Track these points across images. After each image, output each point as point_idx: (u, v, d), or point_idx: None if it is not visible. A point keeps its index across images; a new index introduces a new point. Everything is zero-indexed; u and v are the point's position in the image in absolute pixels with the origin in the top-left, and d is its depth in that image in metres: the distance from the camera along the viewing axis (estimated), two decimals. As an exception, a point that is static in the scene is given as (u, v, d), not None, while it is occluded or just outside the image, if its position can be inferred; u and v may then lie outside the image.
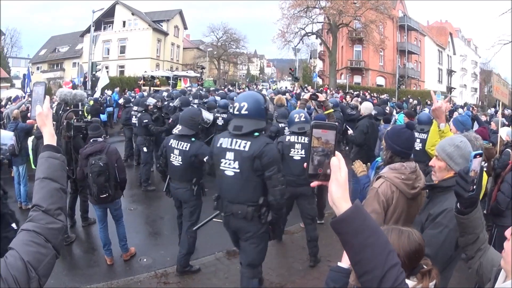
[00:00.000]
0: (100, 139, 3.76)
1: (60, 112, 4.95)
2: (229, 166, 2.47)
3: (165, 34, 30.17)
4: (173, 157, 3.43)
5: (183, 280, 3.46)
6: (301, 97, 4.63)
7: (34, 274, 0.93)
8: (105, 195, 3.57)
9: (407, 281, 1.17)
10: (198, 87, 19.19)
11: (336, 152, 0.84)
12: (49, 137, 1.22)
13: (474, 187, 1.31)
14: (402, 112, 9.28)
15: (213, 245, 4.04)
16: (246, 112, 2.48)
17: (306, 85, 24.89)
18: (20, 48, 34.61)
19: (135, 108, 7.22)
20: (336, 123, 0.90)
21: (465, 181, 1.31)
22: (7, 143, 2.23)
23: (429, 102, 22.73)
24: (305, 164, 0.85)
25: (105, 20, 28.68)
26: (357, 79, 29.34)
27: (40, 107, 1.23)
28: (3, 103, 10.23)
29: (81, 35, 29.40)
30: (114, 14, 29.03)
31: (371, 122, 5.17)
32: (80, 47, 29.75)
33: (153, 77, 21.46)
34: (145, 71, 22.95)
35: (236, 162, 2.44)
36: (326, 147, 0.84)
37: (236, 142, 2.46)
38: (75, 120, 4.23)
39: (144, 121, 6.22)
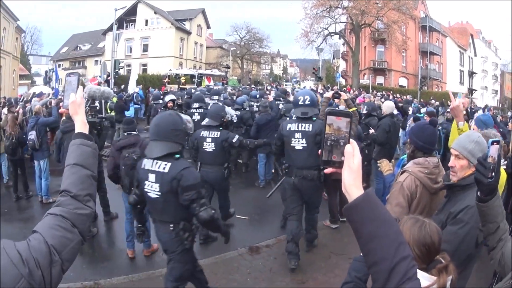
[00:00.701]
0: (134, 133, 3.84)
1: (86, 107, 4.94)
2: (298, 143, 3.40)
3: (188, 33, 30.18)
4: (206, 144, 3.97)
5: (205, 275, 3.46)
6: (324, 96, 4.50)
7: (57, 258, 0.93)
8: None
9: (423, 275, 1.20)
10: (223, 85, 19.24)
11: (351, 140, 0.83)
12: (81, 125, 1.22)
13: (493, 173, 1.33)
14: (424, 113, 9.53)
15: (236, 241, 4.01)
16: (309, 102, 3.46)
17: (329, 85, 24.78)
18: (40, 46, 34.94)
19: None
20: (349, 111, 0.85)
21: (484, 167, 1.32)
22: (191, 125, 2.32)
23: (449, 104, 22.49)
24: (319, 151, 0.85)
25: (127, 18, 28.84)
26: (379, 79, 29.13)
27: (74, 96, 1.23)
28: (28, 98, 10.28)
29: (103, 33, 29.55)
30: (136, 13, 29.14)
31: (393, 121, 5.22)
32: (102, 45, 29.93)
33: (177, 75, 21.50)
34: (170, 69, 22.97)
35: (304, 139, 3.40)
36: (340, 134, 0.83)
37: (302, 125, 3.41)
38: (90, 115, 4.32)
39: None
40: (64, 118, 4.67)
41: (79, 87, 1.26)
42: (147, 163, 2.40)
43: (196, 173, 2.46)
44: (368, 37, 28.69)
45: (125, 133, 3.85)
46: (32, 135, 5.39)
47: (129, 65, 27.21)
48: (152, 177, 2.34)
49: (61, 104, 1.34)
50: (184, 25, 30.12)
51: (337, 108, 0.84)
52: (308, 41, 26.39)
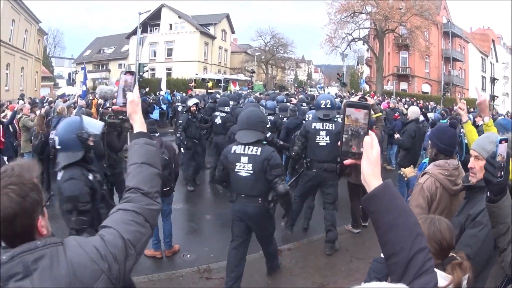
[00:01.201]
0: (156, 134, 3.86)
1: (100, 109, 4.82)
2: (323, 140, 3.85)
3: (213, 37, 30.32)
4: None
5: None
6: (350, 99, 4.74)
7: (133, 251, 0.96)
8: (167, 188, 3.69)
9: (440, 274, 1.20)
10: (248, 90, 19.38)
11: (370, 131, 0.84)
12: (141, 125, 1.22)
13: (502, 173, 1.30)
14: (447, 119, 9.53)
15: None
16: (329, 106, 3.93)
17: (353, 91, 24.73)
18: (63, 49, 35.40)
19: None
20: (367, 103, 0.87)
21: (493, 167, 1.30)
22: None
23: (472, 110, 22.40)
24: (338, 143, 0.86)
25: (151, 22, 29.04)
26: (403, 85, 28.98)
27: (132, 95, 1.22)
28: (53, 99, 10.41)
29: (126, 37, 29.80)
30: (160, 17, 29.34)
31: (418, 126, 5.32)
32: (126, 49, 30.19)
33: (203, 80, 21.66)
34: (196, 74, 23.12)
35: (328, 137, 3.84)
36: (359, 125, 0.84)
37: (326, 125, 3.88)
38: (110, 116, 4.24)
39: (179, 121, 6.18)
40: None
41: (135, 86, 1.25)
42: (237, 149, 2.96)
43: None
44: (392, 43, 28.61)
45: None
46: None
47: (153, 69, 27.48)
48: (244, 159, 2.93)
49: (114, 101, 1.29)
50: (209, 29, 30.27)
51: (354, 101, 0.88)
52: (333, 46, 26.37)
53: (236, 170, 2.95)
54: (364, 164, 0.84)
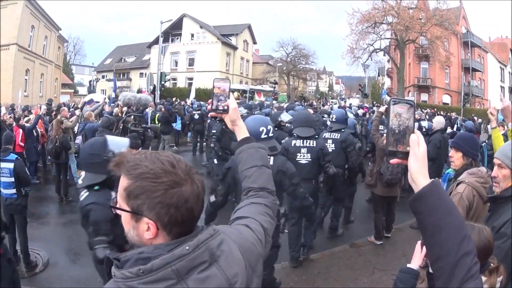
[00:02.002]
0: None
1: (124, 116, 4.85)
2: (329, 147, 4.29)
3: (234, 48, 30.51)
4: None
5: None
6: (377, 110, 5.04)
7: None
8: None
9: None
10: (273, 101, 19.58)
11: (415, 130, 0.83)
12: (245, 130, 1.25)
13: None
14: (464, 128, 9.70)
15: (280, 255, 3.77)
16: (335, 120, 4.60)
17: (374, 102, 24.79)
18: (83, 56, 35.90)
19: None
20: (412, 100, 0.88)
21: None
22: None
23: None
24: (384, 141, 0.88)
25: (172, 32, 29.29)
26: (424, 97, 28.97)
27: (234, 102, 1.22)
28: (79, 105, 10.49)
29: (148, 46, 30.08)
30: (182, 27, 29.57)
31: (443, 136, 5.32)
32: (147, 58, 30.47)
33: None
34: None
35: (333, 144, 4.45)
36: (404, 123, 0.82)
37: (332, 134, 4.53)
38: (133, 125, 4.28)
39: (213, 131, 5.86)
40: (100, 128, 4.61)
41: (230, 94, 1.25)
42: (297, 142, 3.80)
43: None
44: (413, 54, 28.62)
45: None
46: (78, 139, 5.61)
47: (174, 79, 27.69)
48: (304, 150, 3.77)
49: (208, 107, 1.26)
50: (230, 40, 30.45)
51: (399, 98, 0.91)
52: (354, 57, 26.48)
53: (297, 159, 3.73)
54: (411, 161, 0.81)
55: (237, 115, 1.23)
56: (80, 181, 2.27)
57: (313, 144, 3.78)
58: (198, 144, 10.47)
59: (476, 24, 44.73)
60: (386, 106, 4.57)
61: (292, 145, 3.81)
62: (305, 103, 19.75)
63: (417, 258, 1.57)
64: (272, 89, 23.79)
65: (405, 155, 0.82)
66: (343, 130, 4.58)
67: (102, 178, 2.18)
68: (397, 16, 26.22)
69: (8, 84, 19.62)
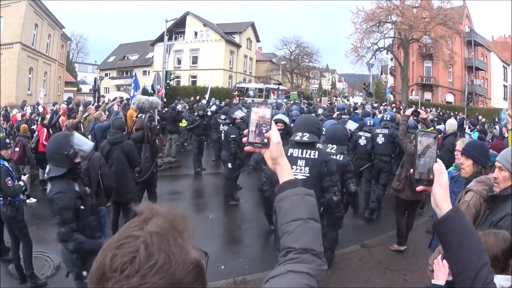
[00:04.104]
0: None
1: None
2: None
3: (238, 46, 30.47)
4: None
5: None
6: (403, 114, 5.06)
7: None
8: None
9: (498, 277, 1.35)
10: (285, 99, 19.80)
11: (437, 159, 0.91)
12: (289, 171, 0.99)
13: None
14: (476, 130, 9.75)
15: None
16: (389, 119, 5.49)
17: (376, 101, 24.75)
18: (86, 54, 35.79)
19: (222, 116, 6.86)
20: (435, 132, 0.97)
21: None
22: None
23: (496, 120, 22.39)
24: (411, 170, 0.92)
25: (176, 30, 29.25)
26: (427, 95, 29.02)
27: (276, 135, 0.97)
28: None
29: (151, 44, 30.02)
30: (185, 25, 29.52)
31: (456, 140, 5.29)
32: (150, 56, 30.42)
33: (246, 89, 22.00)
34: (238, 82, 23.37)
35: (383, 138, 5.22)
36: (429, 153, 0.91)
37: (382, 129, 5.29)
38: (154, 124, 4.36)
39: (231, 136, 5.68)
40: (111, 129, 4.59)
41: (272, 123, 0.99)
42: (294, 152, 2.93)
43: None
44: (416, 53, 28.61)
45: None
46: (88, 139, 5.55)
47: (178, 77, 27.64)
48: (301, 162, 2.91)
49: (244, 139, 0.99)
50: (234, 38, 30.40)
51: (425, 130, 1.02)
52: (358, 56, 26.44)
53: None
54: (436, 189, 0.90)
55: (281, 151, 0.98)
56: (45, 175, 2.45)
57: (314, 155, 2.87)
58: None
59: (480, 23, 44.93)
60: (412, 109, 4.74)
61: (288, 154, 2.82)
62: (304, 100, 19.91)
63: (442, 274, 1.65)
64: (286, 88, 24.08)
65: (429, 182, 0.91)
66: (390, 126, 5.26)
67: (63, 171, 2.40)
68: (401, 15, 26.18)
69: (12, 83, 19.64)
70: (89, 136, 5.66)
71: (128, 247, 0.54)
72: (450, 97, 29.87)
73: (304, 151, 2.91)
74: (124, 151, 4.14)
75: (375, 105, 18.60)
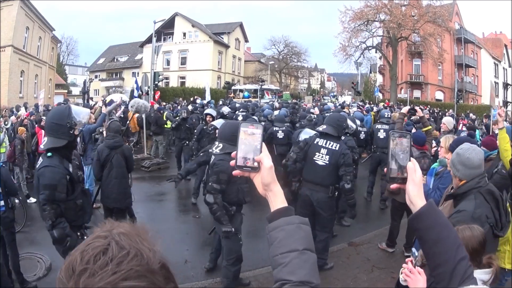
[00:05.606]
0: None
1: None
2: (382, 134, 5.66)
3: (226, 46, 30.46)
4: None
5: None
6: (399, 112, 4.84)
7: None
8: None
9: (482, 271, 1.43)
10: (278, 99, 20.02)
11: (411, 158, 0.95)
12: (283, 198, 0.92)
13: None
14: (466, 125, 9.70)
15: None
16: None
17: (367, 100, 24.72)
18: (76, 56, 35.81)
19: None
20: (409, 132, 1.03)
21: None
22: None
23: (484, 121, 22.48)
24: (385, 169, 0.96)
25: (164, 31, 29.20)
26: (416, 93, 28.95)
27: (268, 159, 0.91)
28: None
29: (140, 46, 30.03)
30: (174, 26, 29.48)
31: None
32: (139, 57, 30.40)
33: (240, 90, 22.14)
34: (232, 82, 23.44)
35: (384, 133, 5.84)
36: (403, 152, 0.94)
37: (383, 125, 5.86)
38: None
39: (195, 131, 6.03)
40: (109, 132, 4.47)
41: (262, 145, 0.91)
42: (319, 141, 3.58)
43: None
44: (405, 51, 28.55)
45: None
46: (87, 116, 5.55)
47: (167, 78, 27.62)
48: (324, 151, 3.52)
49: (232, 163, 0.91)
50: (222, 38, 30.39)
51: (399, 130, 1.05)
52: (346, 55, 26.38)
53: (314, 158, 3.66)
54: (410, 186, 0.93)
55: (273, 176, 0.91)
56: (42, 146, 2.37)
57: (335, 147, 3.50)
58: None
59: (470, 20, 45.00)
60: (408, 107, 4.48)
61: (315, 142, 3.59)
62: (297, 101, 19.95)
63: (420, 282, 1.49)
64: (278, 88, 24.24)
65: (403, 180, 0.94)
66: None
67: (63, 142, 2.33)
68: (390, 13, 26.09)
69: (4, 86, 19.61)
70: (78, 139, 5.68)
71: (98, 243, 0.53)
72: (439, 95, 29.84)
73: (328, 142, 3.53)
74: (124, 155, 4.08)
75: (361, 103, 18.62)
